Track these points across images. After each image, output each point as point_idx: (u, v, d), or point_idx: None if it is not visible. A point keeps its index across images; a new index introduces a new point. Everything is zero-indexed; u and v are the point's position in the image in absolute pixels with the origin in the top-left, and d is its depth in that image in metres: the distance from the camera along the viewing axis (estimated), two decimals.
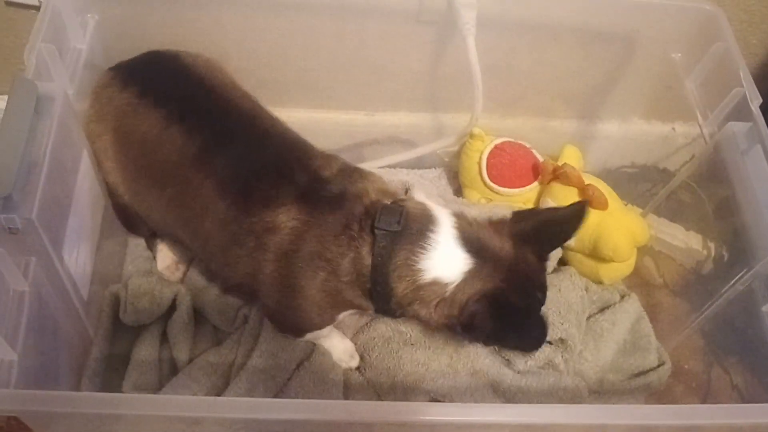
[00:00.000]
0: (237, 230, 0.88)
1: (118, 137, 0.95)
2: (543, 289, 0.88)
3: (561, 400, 1.05)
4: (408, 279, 0.82)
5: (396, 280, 0.83)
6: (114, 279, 1.12)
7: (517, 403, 1.03)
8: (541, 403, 1.04)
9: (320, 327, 0.96)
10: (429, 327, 0.99)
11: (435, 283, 0.82)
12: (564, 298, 1.11)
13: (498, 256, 0.83)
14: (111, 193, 1.02)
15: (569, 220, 0.86)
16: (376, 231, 0.81)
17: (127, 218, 1.06)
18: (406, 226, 0.82)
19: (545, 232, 0.86)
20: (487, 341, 0.94)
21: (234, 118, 0.93)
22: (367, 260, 0.82)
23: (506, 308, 0.82)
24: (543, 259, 0.87)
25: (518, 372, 1.07)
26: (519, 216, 0.87)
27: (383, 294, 0.84)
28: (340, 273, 0.84)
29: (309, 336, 1.01)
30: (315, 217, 0.84)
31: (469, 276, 0.82)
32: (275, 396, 1.01)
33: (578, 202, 0.91)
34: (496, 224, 0.87)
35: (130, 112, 0.93)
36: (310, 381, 1.02)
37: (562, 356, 1.08)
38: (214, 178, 0.88)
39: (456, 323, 0.84)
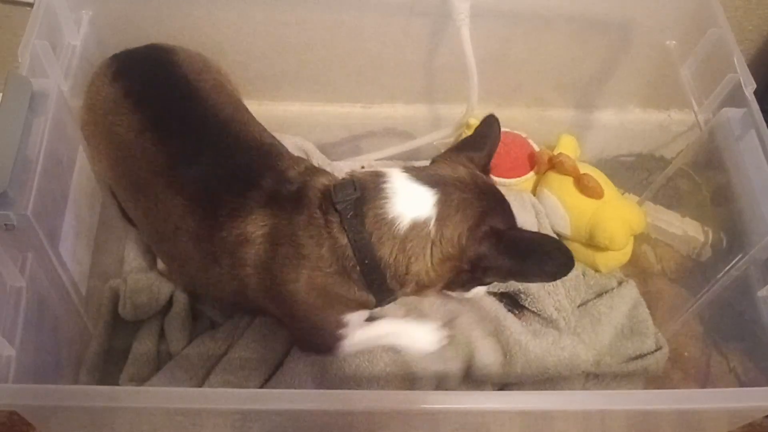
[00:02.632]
0: (210, 247, 0.86)
1: (103, 131, 0.94)
2: (505, 200, 0.86)
3: (559, 360, 1.05)
4: (388, 235, 0.80)
5: (379, 246, 0.80)
6: (113, 274, 1.12)
7: (514, 363, 1.04)
8: (539, 364, 1.05)
9: (333, 336, 0.90)
10: (437, 294, 0.89)
11: (415, 227, 0.80)
12: None
13: (456, 178, 0.82)
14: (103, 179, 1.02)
15: (486, 131, 0.90)
16: (338, 206, 0.80)
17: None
18: (363, 190, 0.81)
19: (476, 149, 0.88)
20: (506, 279, 0.87)
21: (208, 127, 0.91)
22: (343, 239, 0.80)
23: (509, 238, 0.80)
24: (487, 172, 0.89)
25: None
26: (444, 157, 0.88)
27: (375, 271, 0.81)
28: (322, 264, 0.82)
29: (344, 347, 0.92)
30: (281, 218, 0.83)
31: (442, 205, 0.80)
32: (263, 386, 1.00)
33: (487, 117, 0.92)
34: (435, 162, 0.87)
35: (113, 110, 0.93)
36: (300, 371, 1.01)
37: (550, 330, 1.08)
38: (183, 194, 0.87)
39: (465, 269, 0.81)
